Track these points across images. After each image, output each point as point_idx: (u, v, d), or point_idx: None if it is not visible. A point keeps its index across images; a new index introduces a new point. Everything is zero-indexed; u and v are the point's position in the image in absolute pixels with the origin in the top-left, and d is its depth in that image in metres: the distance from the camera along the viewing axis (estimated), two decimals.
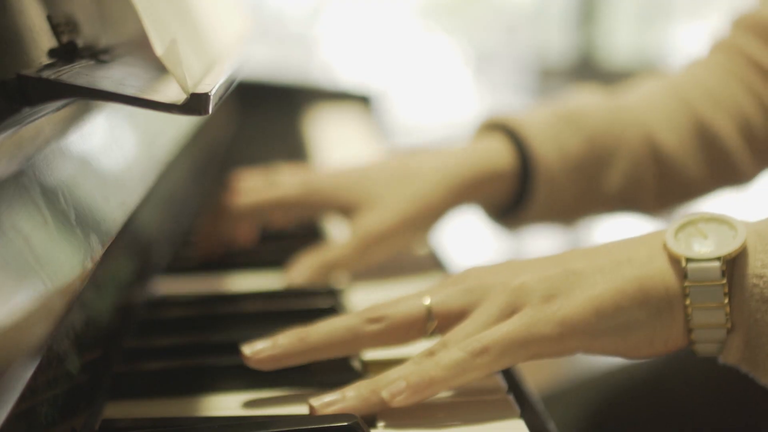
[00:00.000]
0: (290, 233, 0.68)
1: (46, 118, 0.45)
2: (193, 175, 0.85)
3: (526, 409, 0.42)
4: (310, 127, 1.24)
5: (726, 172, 0.67)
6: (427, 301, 0.43)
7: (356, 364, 0.47)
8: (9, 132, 0.40)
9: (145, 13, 0.44)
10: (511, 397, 0.43)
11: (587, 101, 0.68)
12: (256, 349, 0.43)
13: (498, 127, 0.65)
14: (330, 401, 0.41)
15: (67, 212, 0.42)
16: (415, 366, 0.41)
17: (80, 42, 0.48)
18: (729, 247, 0.40)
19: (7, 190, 0.38)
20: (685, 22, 4.56)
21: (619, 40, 4.47)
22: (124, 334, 0.51)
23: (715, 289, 0.40)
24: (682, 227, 0.43)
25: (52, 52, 0.44)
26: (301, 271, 0.59)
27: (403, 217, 0.60)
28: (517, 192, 0.64)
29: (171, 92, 0.46)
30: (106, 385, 0.45)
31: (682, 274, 0.41)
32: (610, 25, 4.47)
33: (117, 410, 0.44)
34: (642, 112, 0.67)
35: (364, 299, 0.57)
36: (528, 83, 4.59)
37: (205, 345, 0.50)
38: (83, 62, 0.46)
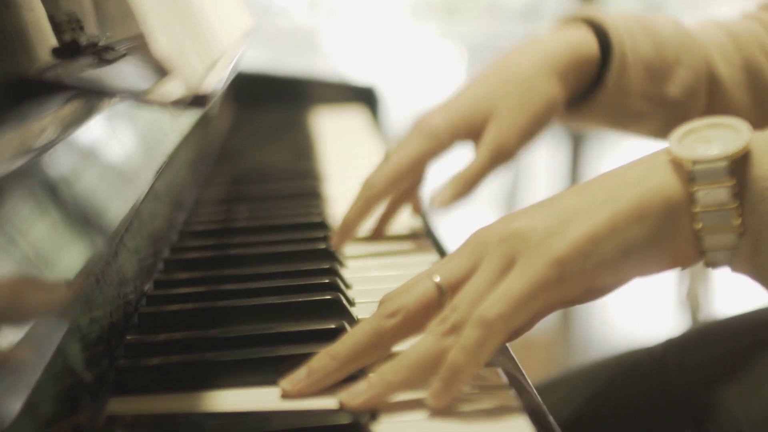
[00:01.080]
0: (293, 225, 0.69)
1: (49, 115, 0.45)
2: (194, 168, 0.85)
3: (527, 402, 0.43)
4: (313, 118, 1.24)
5: (766, 108, 0.72)
6: (437, 279, 0.43)
7: None
8: (13, 129, 0.41)
9: (147, 12, 0.45)
10: (512, 392, 0.43)
11: (657, 18, 0.74)
12: (295, 381, 0.43)
13: (580, 19, 0.72)
14: (358, 391, 0.41)
15: (70, 208, 0.43)
16: (435, 349, 0.41)
17: (83, 40, 0.48)
18: (735, 146, 0.40)
19: (11, 187, 0.38)
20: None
21: None
22: (127, 329, 0.51)
23: (724, 191, 0.40)
24: (685, 135, 0.42)
25: (55, 51, 0.44)
26: (446, 194, 0.66)
27: (520, 127, 0.66)
28: (593, 79, 0.70)
29: (172, 89, 0.47)
30: (110, 380, 0.46)
31: (688, 179, 0.40)
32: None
33: (120, 406, 0.44)
34: (703, 40, 0.73)
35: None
36: None
37: (206, 340, 0.50)
38: (86, 60, 0.47)
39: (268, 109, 1.30)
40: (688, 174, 0.40)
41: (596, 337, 2.27)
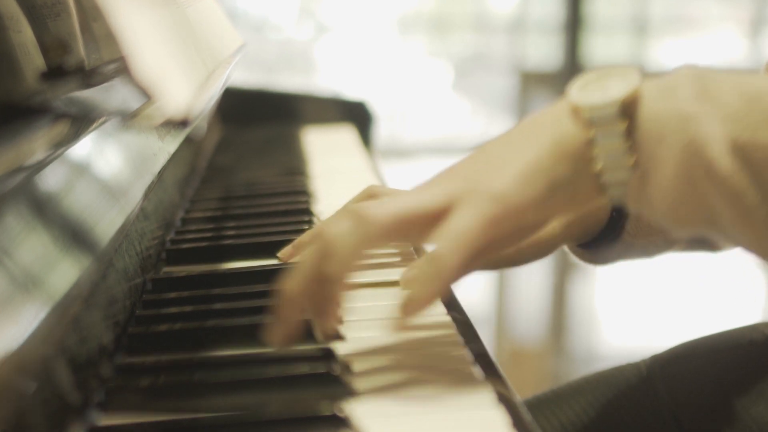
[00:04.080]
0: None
1: (36, 137, 0.45)
2: (181, 183, 0.85)
3: (515, 417, 0.43)
4: (304, 134, 1.24)
5: None
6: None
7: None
8: (1, 150, 0.41)
9: (132, 35, 0.45)
10: (502, 408, 0.44)
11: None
12: (271, 332, 0.47)
13: None
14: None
15: (59, 229, 0.43)
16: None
17: (70, 63, 0.48)
18: (624, 91, 0.44)
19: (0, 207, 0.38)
20: (665, 32, 4.60)
21: (600, 46, 4.50)
22: (116, 350, 0.52)
23: (616, 132, 0.44)
24: (586, 83, 0.47)
25: (42, 73, 0.45)
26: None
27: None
28: (607, 223, 0.67)
29: (157, 110, 0.47)
30: (98, 399, 0.46)
31: (587, 124, 0.45)
32: (592, 31, 4.50)
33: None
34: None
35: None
36: (509, 87, 4.61)
37: (194, 362, 0.50)
38: (73, 83, 0.47)
39: (258, 125, 1.30)
40: (586, 120, 0.45)
41: (586, 349, 2.27)
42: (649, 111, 0.44)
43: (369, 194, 0.67)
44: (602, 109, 0.45)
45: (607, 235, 0.67)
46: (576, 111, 0.46)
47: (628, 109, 0.44)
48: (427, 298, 0.45)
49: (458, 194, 0.45)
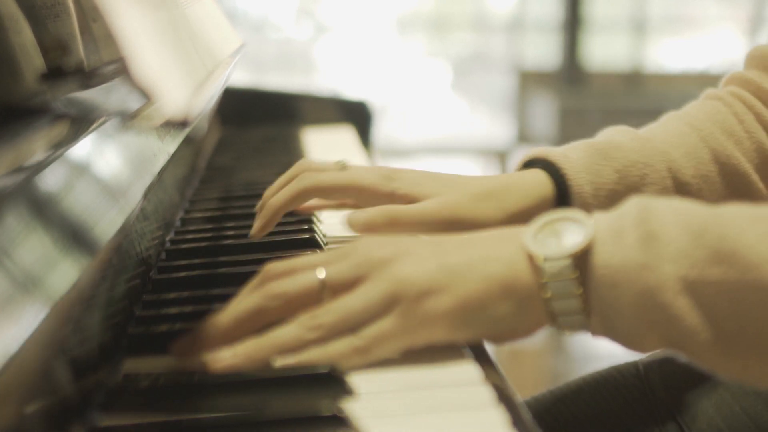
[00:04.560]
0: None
1: (35, 138, 0.45)
2: (181, 183, 0.85)
3: (514, 416, 0.43)
4: (303, 134, 1.24)
5: (741, 197, 0.72)
6: (322, 275, 0.49)
7: None
8: (2, 151, 0.41)
9: (130, 35, 0.45)
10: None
11: (617, 136, 0.74)
12: (182, 346, 0.50)
13: (536, 161, 0.72)
14: (222, 357, 0.48)
15: (58, 229, 0.43)
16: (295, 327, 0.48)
17: (70, 64, 0.48)
18: (578, 245, 0.46)
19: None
20: (663, 31, 4.60)
21: (598, 46, 4.50)
22: (117, 355, 0.52)
23: (569, 282, 0.46)
24: (541, 228, 0.48)
25: (42, 74, 0.45)
26: (364, 215, 0.65)
27: (464, 210, 0.66)
28: None
29: (157, 111, 0.47)
30: (99, 399, 0.46)
31: (539, 272, 0.47)
32: (590, 30, 4.50)
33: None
34: (663, 143, 0.72)
35: None
36: (507, 87, 4.61)
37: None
38: (72, 84, 0.47)
39: (258, 125, 1.30)
40: (539, 269, 0.47)
41: (585, 349, 2.27)
42: (599, 261, 0.46)
43: (302, 168, 0.69)
44: (556, 261, 0.46)
45: None
46: (529, 257, 0.47)
47: (579, 260, 0.46)
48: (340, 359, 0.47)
49: (399, 298, 0.47)
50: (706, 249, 0.44)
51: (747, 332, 0.43)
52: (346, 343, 0.47)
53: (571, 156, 0.71)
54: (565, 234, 0.47)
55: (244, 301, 0.50)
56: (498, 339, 0.49)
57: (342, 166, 0.70)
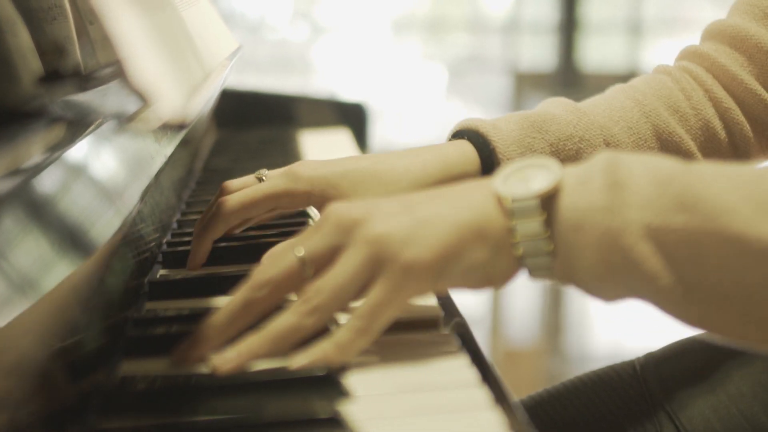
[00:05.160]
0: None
1: (32, 141, 0.45)
2: (177, 185, 0.85)
3: (510, 416, 0.43)
4: (300, 136, 1.24)
5: None
6: (300, 253, 0.49)
7: None
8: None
9: (127, 38, 0.45)
10: (498, 408, 0.44)
11: (554, 108, 0.72)
12: (182, 350, 0.50)
13: (466, 131, 0.70)
14: (228, 358, 0.48)
15: (56, 231, 0.43)
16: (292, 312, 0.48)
17: (67, 67, 0.48)
18: (546, 184, 0.47)
19: None
20: (659, 33, 4.61)
21: (594, 48, 4.50)
22: (114, 355, 0.52)
23: (536, 223, 0.47)
24: (509, 174, 0.49)
25: (39, 77, 0.45)
26: None
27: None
28: None
29: (153, 113, 0.47)
30: (96, 402, 0.46)
31: (509, 213, 0.47)
32: (586, 32, 4.51)
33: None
34: (603, 117, 0.71)
35: None
36: (503, 88, 4.62)
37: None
38: (69, 86, 0.47)
39: (255, 127, 1.30)
40: (508, 210, 0.47)
41: (581, 349, 2.28)
42: (566, 203, 0.46)
43: (223, 192, 0.69)
44: (523, 201, 0.47)
45: None
46: (499, 200, 0.48)
47: (547, 202, 0.47)
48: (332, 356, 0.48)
49: (379, 257, 0.47)
50: (670, 197, 0.44)
51: (706, 280, 0.44)
52: (348, 328, 0.47)
53: (502, 127, 0.69)
54: (534, 179, 0.48)
55: (234, 298, 0.50)
56: (475, 287, 0.49)
57: (260, 177, 0.69)
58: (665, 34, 4.57)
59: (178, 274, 0.67)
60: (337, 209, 0.50)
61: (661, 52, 4.55)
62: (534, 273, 0.48)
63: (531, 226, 0.47)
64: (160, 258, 0.71)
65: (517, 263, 0.48)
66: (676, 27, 4.54)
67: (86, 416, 0.44)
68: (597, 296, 0.48)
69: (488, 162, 0.68)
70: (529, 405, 0.71)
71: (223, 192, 0.68)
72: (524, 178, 0.48)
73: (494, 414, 0.43)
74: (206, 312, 0.57)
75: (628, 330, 2.27)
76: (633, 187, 0.45)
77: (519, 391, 0.58)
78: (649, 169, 0.46)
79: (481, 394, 0.45)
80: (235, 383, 0.47)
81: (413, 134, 4.66)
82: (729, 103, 0.73)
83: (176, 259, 0.70)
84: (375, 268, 0.47)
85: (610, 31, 4.55)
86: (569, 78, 4.43)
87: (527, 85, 4.51)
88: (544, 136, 0.69)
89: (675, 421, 0.67)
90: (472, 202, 0.48)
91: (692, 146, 0.72)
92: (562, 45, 4.43)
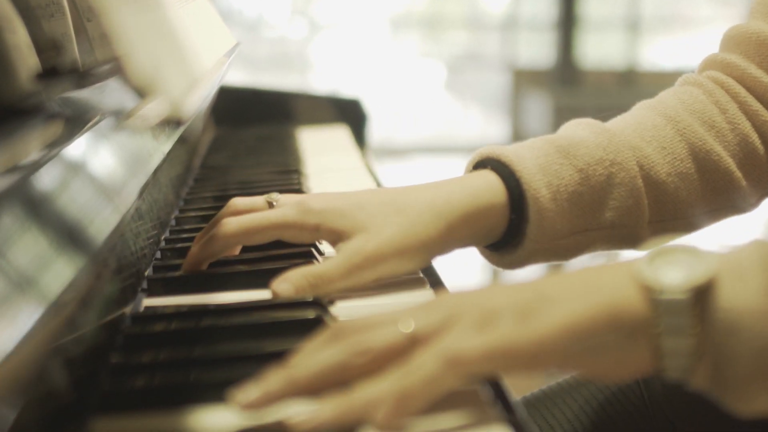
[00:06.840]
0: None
1: (30, 138, 0.45)
2: (175, 182, 0.85)
3: (510, 416, 0.43)
4: (299, 132, 1.24)
5: (722, 195, 0.67)
6: (409, 330, 0.44)
7: None
8: None
9: (125, 35, 0.45)
10: (498, 407, 0.44)
11: (580, 130, 0.67)
12: (247, 395, 0.43)
13: (489, 161, 0.65)
14: (307, 419, 0.41)
15: (53, 229, 0.43)
16: (392, 383, 0.42)
17: (65, 64, 0.48)
18: (698, 279, 0.41)
19: None
20: (657, 31, 4.61)
21: (592, 45, 4.50)
22: (110, 349, 0.52)
23: (685, 319, 0.41)
24: (654, 258, 0.43)
25: (37, 74, 0.45)
26: (286, 284, 0.59)
27: (394, 244, 0.60)
28: (510, 226, 0.64)
29: (151, 110, 0.47)
30: (94, 403, 0.46)
31: (654, 304, 0.41)
32: (584, 29, 4.51)
33: (105, 427, 0.45)
34: (634, 137, 0.66)
35: (348, 307, 0.58)
36: (502, 86, 4.61)
37: (189, 360, 0.50)
38: (67, 83, 0.47)
39: (253, 124, 1.30)
40: (654, 301, 0.41)
41: None
42: (723, 301, 0.41)
43: (229, 210, 0.66)
44: (674, 295, 0.41)
45: (509, 240, 0.65)
46: (644, 288, 0.42)
47: (702, 296, 0.41)
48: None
49: (497, 319, 0.43)
50: None
51: None
52: (436, 356, 0.42)
53: (525, 155, 0.64)
54: (683, 267, 0.42)
55: (328, 354, 0.44)
56: (598, 374, 0.44)
57: (270, 202, 0.65)
58: (663, 31, 4.57)
59: (177, 269, 0.67)
60: (456, 294, 0.45)
61: (659, 50, 4.55)
62: (670, 372, 0.42)
63: (679, 321, 0.41)
64: (159, 254, 0.70)
65: (651, 359, 0.42)
66: (674, 24, 4.54)
67: (84, 416, 0.44)
68: (739, 409, 0.42)
69: (515, 192, 0.63)
70: (528, 403, 0.71)
71: (230, 210, 0.65)
72: (670, 265, 0.42)
73: (494, 411, 0.43)
74: (204, 310, 0.57)
75: None
76: None
77: (518, 389, 0.58)
78: None
79: (481, 392, 0.45)
80: (236, 378, 0.46)
81: (411, 131, 4.66)
82: (766, 115, 0.68)
83: (175, 254, 0.70)
84: (483, 325, 0.43)
85: (609, 28, 4.56)
86: (567, 75, 4.43)
87: (525, 82, 4.51)
88: (571, 162, 0.64)
89: (673, 420, 0.67)
90: (608, 284, 0.43)
91: (731, 164, 0.66)
92: (561, 42, 4.43)
